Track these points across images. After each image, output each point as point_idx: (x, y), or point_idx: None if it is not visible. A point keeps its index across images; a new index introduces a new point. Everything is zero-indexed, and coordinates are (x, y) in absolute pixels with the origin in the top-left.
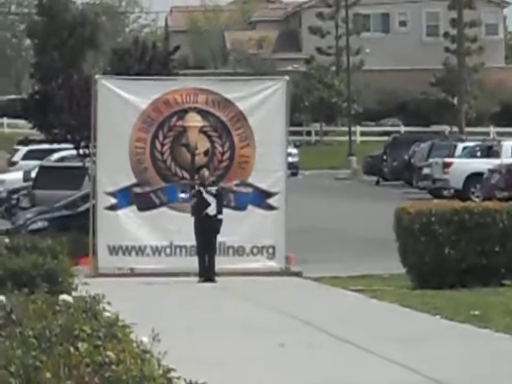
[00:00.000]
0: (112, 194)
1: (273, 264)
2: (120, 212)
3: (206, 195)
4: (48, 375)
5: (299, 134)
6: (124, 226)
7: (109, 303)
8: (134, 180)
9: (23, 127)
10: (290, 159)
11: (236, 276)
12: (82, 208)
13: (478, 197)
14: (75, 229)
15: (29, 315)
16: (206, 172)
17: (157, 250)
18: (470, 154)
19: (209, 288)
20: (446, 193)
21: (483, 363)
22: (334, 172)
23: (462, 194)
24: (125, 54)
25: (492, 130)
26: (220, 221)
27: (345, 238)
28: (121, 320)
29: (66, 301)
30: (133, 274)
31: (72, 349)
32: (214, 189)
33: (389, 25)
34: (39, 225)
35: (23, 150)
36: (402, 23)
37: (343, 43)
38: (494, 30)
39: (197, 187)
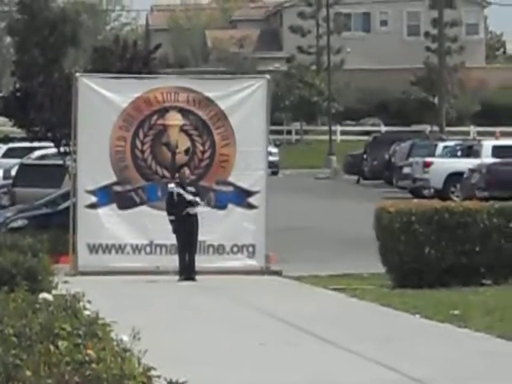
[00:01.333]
0: (92, 193)
1: (253, 263)
2: (100, 210)
3: (185, 194)
4: (28, 373)
5: (280, 133)
6: (104, 224)
7: (89, 301)
8: (114, 178)
9: (3, 125)
10: (271, 158)
11: (216, 275)
12: (62, 206)
13: (458, 196)
14: (55, 227)
15: (9, 313)
16: (186, 171)
17: (137, 249)
18: (451, 153)
19: (189, 286)
20: (426, 192)
21: (463, 362)
22: (315, 171)
23: (442, 194)
24: (106, 52)
25: (472, 129)
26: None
27: (325, 237)
28: (101, 318)
29: (46, 299)
30: (112, 272)
31: (52, 347)
32: (192, 188)
33: (370, 24)
34: (19, 223)
35: (3, 147)
36: (383, 22)
37: (324, 42)
38: (475, 29)
39: (174, 187)
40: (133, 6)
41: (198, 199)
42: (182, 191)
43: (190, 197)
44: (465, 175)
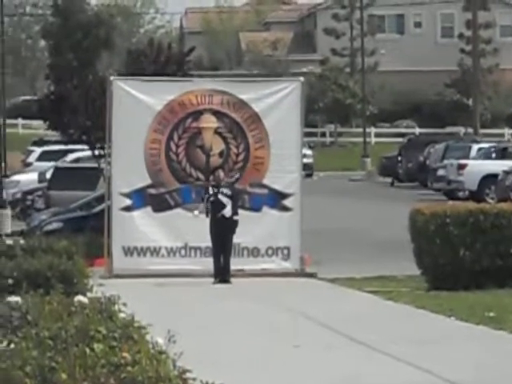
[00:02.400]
0: (127, 195)
1: (288, 265)
2: (135, 213)
3: (220, 196)
4: (64, 376)
5: (314, 135)
6: (139, 227)
7: (124, 304)
8: (148, 181)
9: (38, 128)
10: (305, 160)
11: (251, 277)
12: (97, 209)
13: (492, 198)
14: (90, 230)
15: (44, 316)
16: (221, 173)
17: (171, 251)
18: (485, 155)
19: (224, 289)
20: (460, 194)
21: (498, 365)
22: (349, 173)
23: (476, 196)
24: (140, 55)
25: (507, 131)
26: (236, 222)
27: (360, 240)
28: (136, 321)
29: (81, 302)
30: (147, 275)
31: (87, 350)
32: (228, 190)
33: (404, 26)
34: (54, 226)
35: (38, 150)
36: (417, 24)
37: (358, 44)
38: (509, 31)
39: (211, 189)
40: (167, 9)
41: (229, 206)
42: (218, 192)
43: (225, 199)
44: (499, 177)
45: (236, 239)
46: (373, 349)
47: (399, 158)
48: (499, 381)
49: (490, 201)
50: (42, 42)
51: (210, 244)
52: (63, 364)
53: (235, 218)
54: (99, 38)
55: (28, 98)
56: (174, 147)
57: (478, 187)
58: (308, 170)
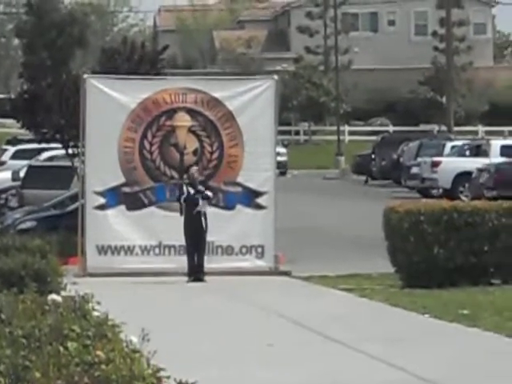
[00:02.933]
0: (101, 194)
1: (262, 263)
2: (109, 211)
3: (195, 194)
4: (37, 375)
5: (288, 133)
6: (113, 225)
7: (98, 303)
8: (122, 179)
9: (11, 126)
10: (279, 158)
11: (225, 275)
12: (71, 208)
13: (466, 196)
14: (64, 228)
15: (18, 315)
16: (194, 171)
17: (145, 250)
18: (459, 153)
19: (198, 287)
20: (434, 192)
21: (472, 362)
22: (323, 171)
23: (450, 194)
24: (114, 54)
25: (480, 129)
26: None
27: (334, 238)
28: (110, 319)
29: (55, 300)
30: (121, 273)
31: (61, 348)
32: (202, 187)
33: (377, 24)
34: (28, 224)
35: (11, 149)
36: (391, 22)
37: (332, 42)
38: (483, 29)
39: (185, 187)
40: (140, 7)
41: (208, 194)
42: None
43: (205, 193)
44: (473, 175)
45: (210, 237)
46: (347, 347)
47: (373, 156)
48: (474, 378)
49: (464, 198)
50: (16, 41)
51: (184, 242)
52: (37, 363)
53: (207, 193)
54: (73, 36)
55: (1, 96)
56: (147, 145)
57: (451, 185)
58: (282, 168)
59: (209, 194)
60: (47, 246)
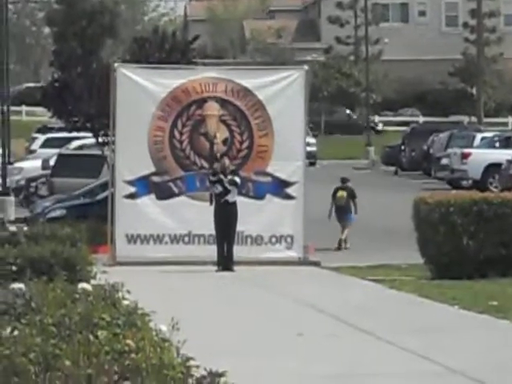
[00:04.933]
0: (131, 183)
1: (291, 253)
2: (139, 201)
3: (226, 184)
4: (67, 363)
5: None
6: (142, 214)
7: (128, 291)
8: (152, 169)
9: (42, 115)
10: (308, 149)
11: (254, 265)
12: (101, 196)
13: (496, 187)
14: (94, 217)
15: (48, 303)
16: (226, 161)
17: (175, 239)
18: (489, 144)
19: (227, 277)
20: (464, 183)
21: (501, 353)
22: (352, 162)
23: (480, 185)
24: (145, 43)
25: (510, 120)
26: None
27: (363, 228)
28: (140, 308)
29: (85, 289)
30: (151, 262)
31: (91, 337)
32: (234, 177)
33: (408, 14)
34: (57, 213)
35: (42, 138)
36: (421, 13)
37: (362, 33)
38: None
39: (216, 176)
40: None
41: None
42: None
43: (233, 178)
44: (503, 166)
45: (239, 227)
46: (376, 337)
47: (403, 147)
48: (502, 370)
49: (494, 190)
50: (47, 29)
51: (213, 232)
52: (67, 351)
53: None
54: (103, 25)
55: (32, 85)
56: (177, 135)
57: (481, 176)
58: (311, 158)
59: (236, 179)
60: (77, 235)
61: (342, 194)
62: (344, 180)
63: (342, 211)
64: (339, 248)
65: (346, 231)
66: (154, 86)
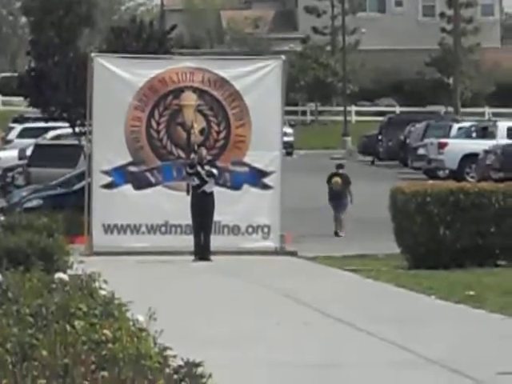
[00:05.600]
0: (107, 173)
1: (268, 243)
2: (115, 190)
3: (203, 175)
4: (44, 353)
5: (294, 113)
6: (119, 204)
7: (105, 281)
8: (129, 159)
9: (18, 105)
10: (286, 139)
11: (231, 255)
12: (78, 186)
13: (473, 177)
14: (70, 207)
15: (25, 293)
16: (203, 151)
17: (152, 229)
18: (466, 134)
19: (204, 267)
20: (441, 173)
21: (478, 343)
22: (329, 152)
23: (456, 175)
24: (122, 32)
25: (487, 110)
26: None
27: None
28: (117, 298)
29: (61, 279)
30: (127, 252)
31: (68, 327)
32: (211, 168)
33: (385, 4)
34: (34, 203)
35: (18, 127)
36: (398, 3)
37: (339, 23)
38: (490, 10)
39: (194, 169)
40: None
41: (212, 171)
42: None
43: (210, 170)
44: (480, 156)
45: (216, 217)
46: (353, 327)
47: (380, 137)
48: (479, 359)
49: (471, 180)
50: (23, 19)
51: (190, 222)
52: (44, 341)
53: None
54: (80, 15)
55: (8, 74)
56: (154, 125)
57: (458, 166)
58: (288, 148)
59: (213, 171)
60: (54, 225)
61: (337, 179)
62: (339, 166)
63: (337, 197)
64: (336, 234)
65: (341, 216)
66: (131, 75)
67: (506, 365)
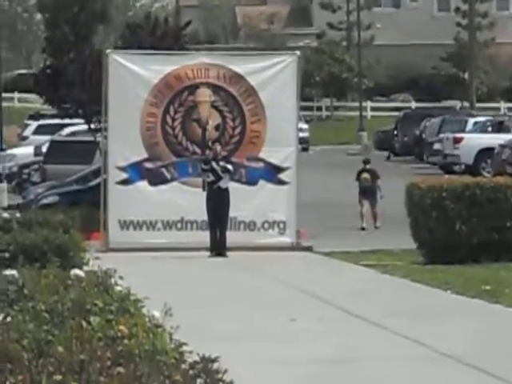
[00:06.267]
0: (123, 169)
1: (284, 239)
2: (131, 187)
3: (219, 171)
4: (60, 349)
5: (310, 109)
6: (135, 200)
7: (120, 277)
8: (145, 155)
9: (34, 102)
10: (301, 134)
11: (247, 251)
12: (93, 183)
13: (488, 172)
14: (86, 203)
15: (41, 290)
16: (218, 147)
17: (168, 225)
18: (481, 129)
19: (220, 263)
20: (456, 168)
21: (494, 338)
22: (345, 147)
23: (472, 170)
24: (137, 29)
25: (503, 105)
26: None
27: (356, 213)
28: (133, 294)
29: (77, 275)
30: (143, 248)
31: (84, 323)
32: (226, 164)
33: (400, 0)
34: (50, 199)
35: (34, 124)
36: None
37: (354, 18)
38: (505, 5)
39: (209, 165)
40: None
41: (227, 167)
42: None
43: (225, 166)
44: (495, 151)
45: (232, 213)
46: (369, 322)
47: (395, 132)
48: (496, 354)
49: (486, 174)
50: (39, 16)
51: (206, 218)
52: (60, 337)
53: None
54: (95, 11)
55: (24, 71)
56: (170, 121)
57: (474, 161)
58: (304, 143)
59: (228, 166)
60: (70, 221)
61: (366, 176)
62: (366, 161)
63: (369, 192)
64: (376, 227)
65: (375, 210)
66: (147, 72)
67: None
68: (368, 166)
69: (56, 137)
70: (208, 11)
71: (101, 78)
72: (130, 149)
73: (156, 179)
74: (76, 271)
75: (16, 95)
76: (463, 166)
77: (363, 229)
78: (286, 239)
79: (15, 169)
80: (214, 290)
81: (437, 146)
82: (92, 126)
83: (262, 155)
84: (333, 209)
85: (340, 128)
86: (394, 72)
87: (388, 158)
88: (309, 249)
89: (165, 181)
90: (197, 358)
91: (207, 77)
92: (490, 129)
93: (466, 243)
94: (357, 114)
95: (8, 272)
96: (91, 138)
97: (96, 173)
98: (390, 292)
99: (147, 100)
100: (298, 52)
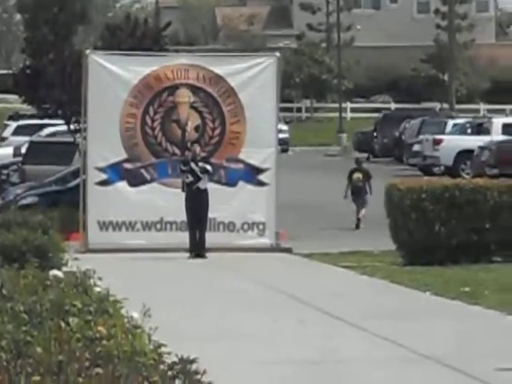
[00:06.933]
0: (102, 170)
1: (263, 240)
2: (111, 187)
3: (198, 172)
4: (39, 350)
5: (290, 110)
6: (114, 201)
7: (99, 278)
8: (124, 155)
9: (13, 102)
10: (281, 135)
11: (226, 252)
12: (73, 183)
13: (468, 174)
14: (65, 204)
15: (19, 290)
16: (197, 148)
17: (147, 226)
18: (461, 130)
19: (199, 264)
20: (436, 170)
21: (473, 339)
22: (325, 148)
23: (452, 171)
24: (116, 30)
25: (482, 107)
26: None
27: (335, 215)
28: (111, 295)
29: (56, 276)
30: (122, 249)
31: (63, 324)
32: (205, 165)
33: (379, 1)
34: (29, 200)
35: (13, 125)
36: (393, 0)
37: (334, 19)
38: (485, 6)
39: (187, 166)
40: None
41: (206, 168)
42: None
43: (204, 166)
44: (475, 153)
45: (212, 214)
46: (348, 323)
47: (375, 134)
48: (475, 355)
49: (466, 176)
50: (18, 16)
51: (185, 218)
52: (38, 338)
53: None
54: (75, 12)
55: (3, 72)
56: (149, 121)
57: (453, 163)
58: (284, 145)
59: (207, 167)
60: (49, 222)
61: (358, 175)
62: (358, 162)
63: (359, 193)
64: (357, 227)
65: (363, 211)
66: (126, 72)
67: (503, 361)
68: (359, 166)
69: (35, 137)
70: (188, 12)
71: (80, 78)
72: (110, 149)
73: (135, 180)
74: (55, 272)
75: None
76: (443, 168)
77: (357, 227)
78: (266, 240)
79: None
80: (193, 291)
81: (416, 148)
82: (71, 126)
83: (241, 156)
84: (312, 210)
85: (320, 129)
86: (374, 73)
87: (367, 159)
88: (288, 250)
89: (144, 181)
90: (175, 359)
91: (187, 78)
92: (469, 130)
93: (446, 244)
94: (336, 115)
95: None
96: (70, 139)
97: (75, 173)
98: (369, 293)
99: (127, 101)
100: (277, 53)
